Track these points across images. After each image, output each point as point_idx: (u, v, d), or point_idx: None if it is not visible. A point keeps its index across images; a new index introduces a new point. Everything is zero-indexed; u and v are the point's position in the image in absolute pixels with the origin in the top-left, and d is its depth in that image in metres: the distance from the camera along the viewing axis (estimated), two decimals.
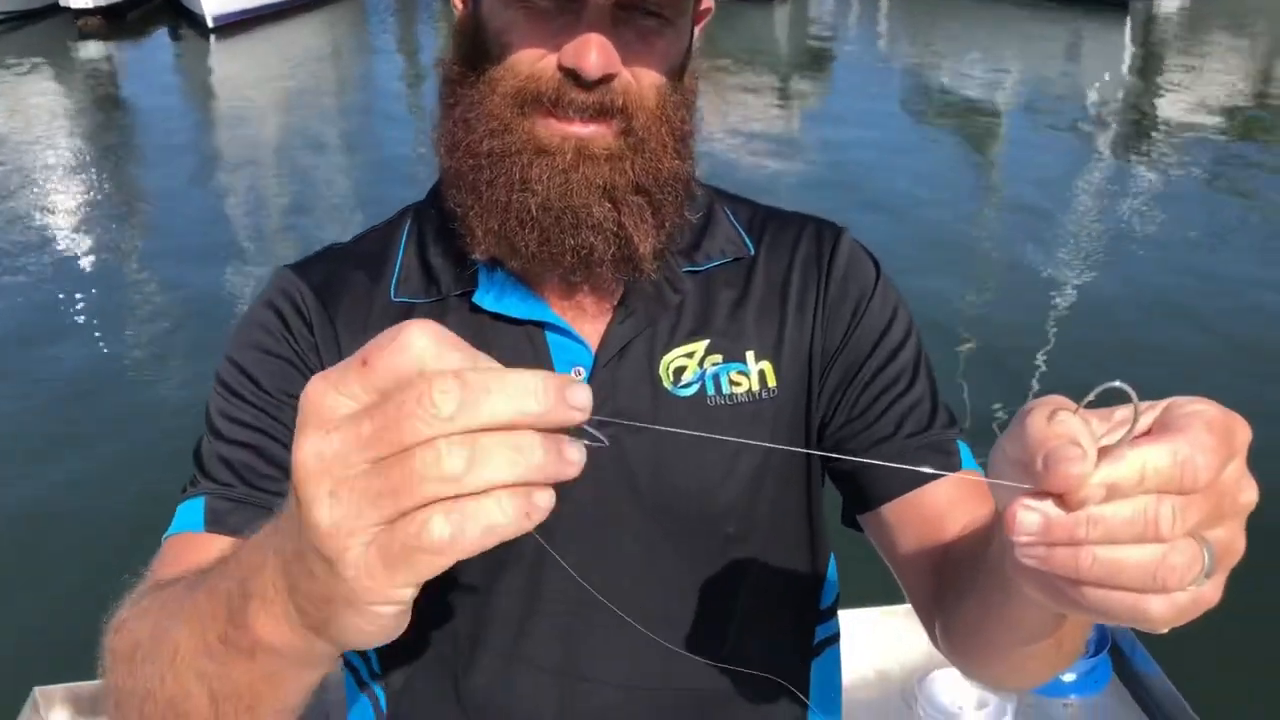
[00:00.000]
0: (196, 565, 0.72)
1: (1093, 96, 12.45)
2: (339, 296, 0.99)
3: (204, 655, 0.62)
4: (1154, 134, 10.61)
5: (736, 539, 1.00)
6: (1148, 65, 14.67)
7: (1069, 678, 1.87)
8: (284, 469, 0.90)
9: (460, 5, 0.94)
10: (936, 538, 0.95)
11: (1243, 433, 0.50)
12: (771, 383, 1.00)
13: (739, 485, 0.99)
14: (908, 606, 2.00)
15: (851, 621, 1.96)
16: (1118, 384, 0.50)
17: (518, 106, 0.86)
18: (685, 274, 1.01)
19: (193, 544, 0.88)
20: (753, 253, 1.05)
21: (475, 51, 0.89)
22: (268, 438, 0.93)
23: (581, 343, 0.97)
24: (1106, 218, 7.79)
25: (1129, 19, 17.18)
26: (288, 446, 0.94)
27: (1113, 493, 0.47)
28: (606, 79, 0.85)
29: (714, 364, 0.99)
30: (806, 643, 1.12)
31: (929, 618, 0.97)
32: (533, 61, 0.86)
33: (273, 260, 6.51)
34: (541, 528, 0.47)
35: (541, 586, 0.97)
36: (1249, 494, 0.51)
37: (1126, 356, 5.44)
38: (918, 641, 1.95)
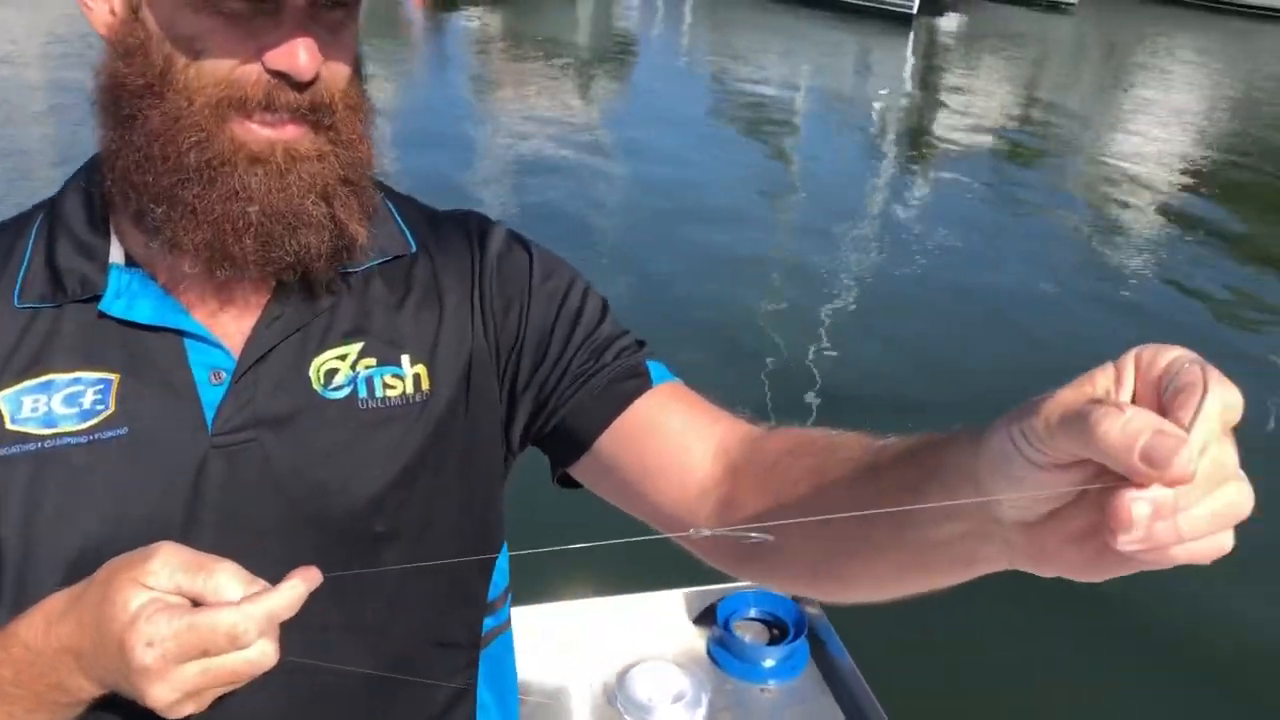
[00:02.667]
0: None
1: (879, 106, 13.10)
2: None
3: None
4: (932, 145, 11.23)
5: (387, 536, 0.99)
6: (928, 79, 15.57)
7: (768, 663, 1.89)
8: None
9: (111, 14, 0.88)
10: (672, 442, 0.97)
11: None
12: (425, 386, 1.00)
13: (386, 481, 0.97)
14: (610, 599, 2.00)
15: (553, 615, 1.93)
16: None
17: (218, 114, 0.85)
18: (342, 274, 0.99)
19: None
20: (414, 250, 1.05)
21: (154, 61, 0.85)
22: None
23: (221, 347, 0.93)
24: (889, 224, 8.18)
25: (912, 34, 18.17)
26: None
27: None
28: (314, 77, 0.85)
29: (367, 367, 0.98)
30: (474, 634, 1.11)
31: (695, 521, 0.95)
32: (233, 67, 0.84)
33: None
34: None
35: None
36: None
37: (904, 355, 5.74)
38: (618, 635, 1.93)
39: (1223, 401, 0.52)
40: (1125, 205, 9.23)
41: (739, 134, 11.18)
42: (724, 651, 1.93)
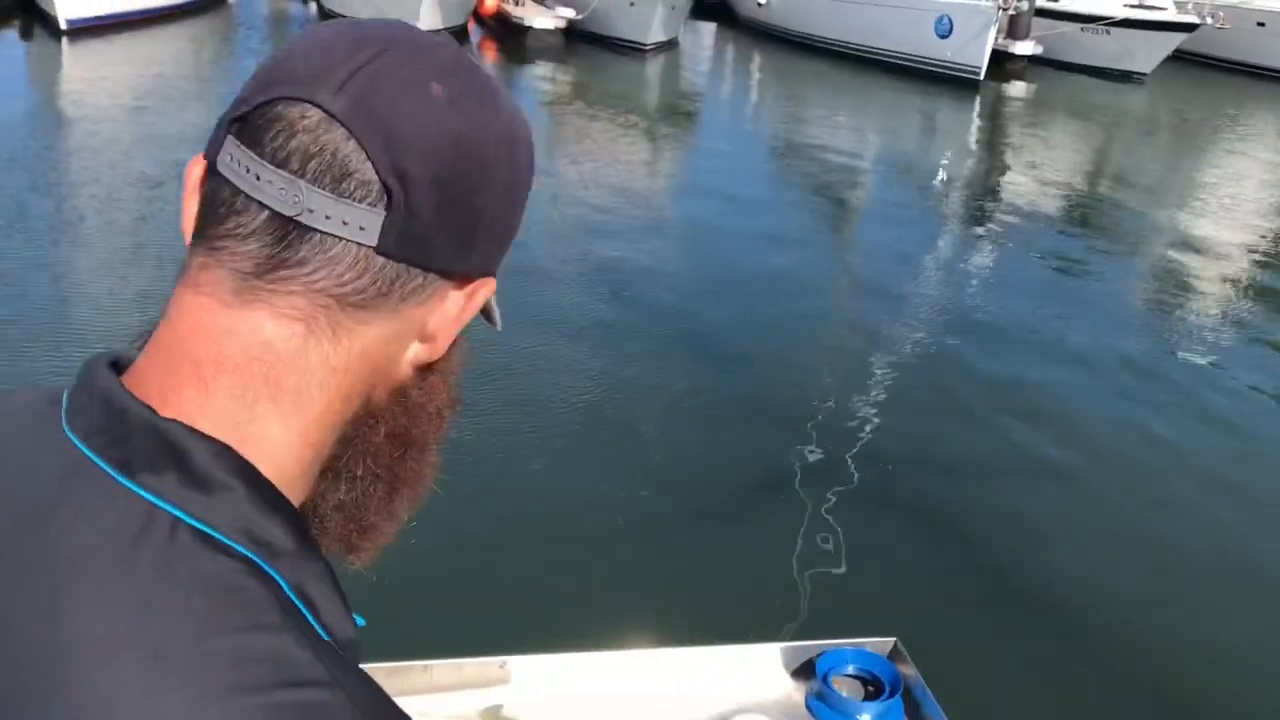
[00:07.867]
0: None
1: (945, 170, 13.15)
2: None
3: None
4: (997, 210, 11.24)
5: None
6: (994, 143, 15.59)
7: (864, 719, 1.94)
8: None
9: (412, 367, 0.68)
10: None
11: None
12: None
13: None
14: (711, 649, 2.07)
15: (657, 662, 2.00)
16: None
17: None
18: None
19: None
20: None
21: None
22: None
23: None
24: (953, 291, 8.19)
25: (979, 98, 18.23)
26: None
27: None
28: None
29: None
30: None
31: None
32: None
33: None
34: None
35: None
36: None
37: (966, 427, 5.75)
38: (717, 685, 1.99)
39: None
40: (1196, 279, 9.15)
41: (805, 194, 11.30)
42: (821, 705, 1.98)
